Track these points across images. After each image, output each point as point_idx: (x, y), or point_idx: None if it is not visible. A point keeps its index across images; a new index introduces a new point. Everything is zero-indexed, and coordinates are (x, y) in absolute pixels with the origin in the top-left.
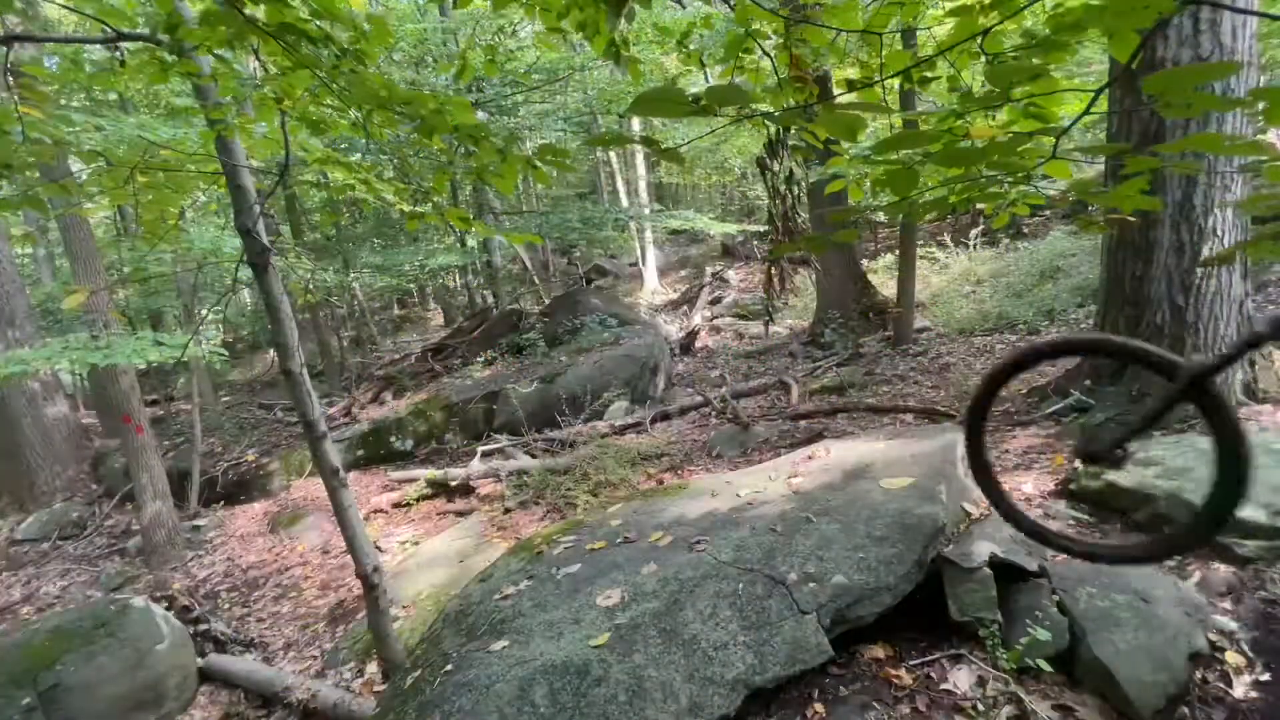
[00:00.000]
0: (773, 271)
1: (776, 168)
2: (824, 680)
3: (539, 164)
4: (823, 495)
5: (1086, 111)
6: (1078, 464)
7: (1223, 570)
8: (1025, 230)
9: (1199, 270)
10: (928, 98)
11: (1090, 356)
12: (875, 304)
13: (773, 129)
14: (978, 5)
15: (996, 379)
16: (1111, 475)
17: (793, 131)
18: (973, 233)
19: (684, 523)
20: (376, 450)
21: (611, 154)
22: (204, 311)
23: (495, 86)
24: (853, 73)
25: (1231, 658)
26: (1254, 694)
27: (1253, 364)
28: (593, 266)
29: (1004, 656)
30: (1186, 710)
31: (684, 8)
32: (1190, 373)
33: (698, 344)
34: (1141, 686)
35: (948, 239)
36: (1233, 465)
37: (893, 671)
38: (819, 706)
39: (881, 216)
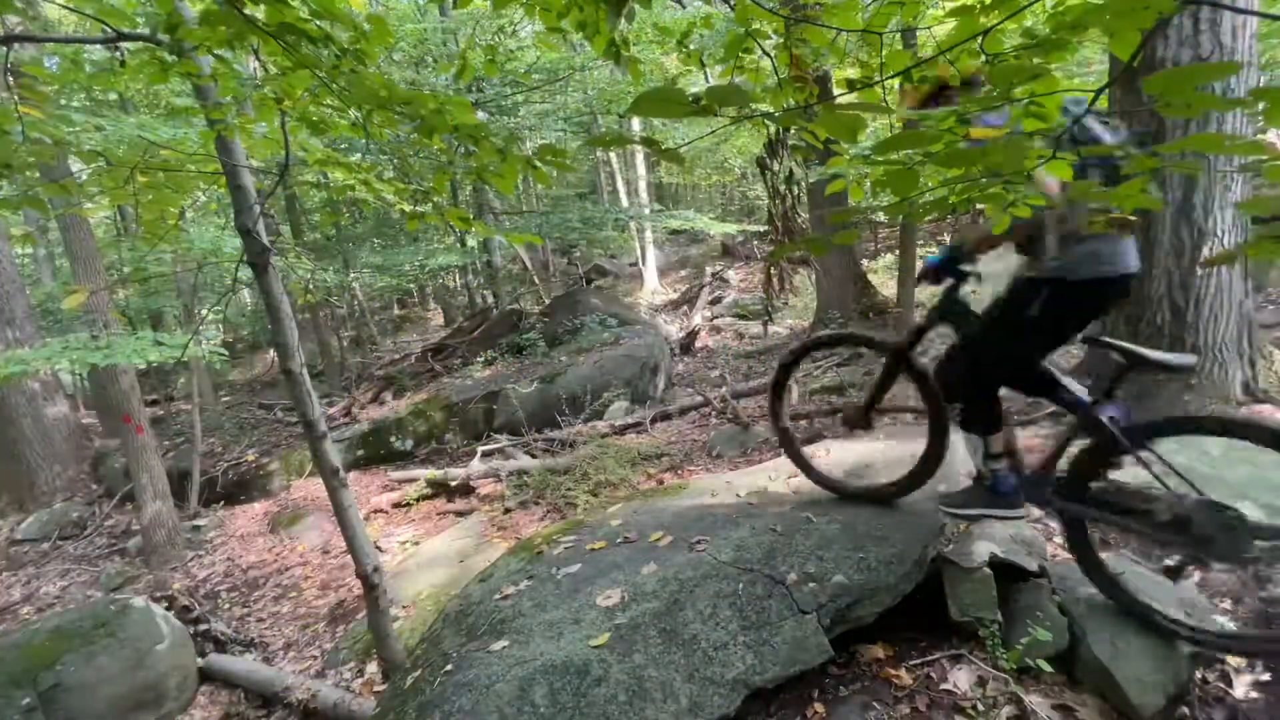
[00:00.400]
0: (772, 272)
1: (776, 167)
2: (824, 680)
3: (539, 164)
4: (823, 495)
5: (1087, 111)
6: None
7: (1223, 570)
8: None
9: (1199, 271)
10: None
11: (839, 346)
12: (875, 304)
13: (773, 129)
14: (978, 5)
15: (786, 370)
16: (1115, 475)
17: (793, 131)
18: None
19: (684, 523)
20: (376, 450)
21: (611, 154)
22: (204, 311)
23: (495, 86)
24: (853, 73)
25: (1232, 658)
26: (1254, 694)
27: (1252, 364)
28: (593, 266)
29: (1004, 656)
30: (1186, 710)
31: (684, 7)
32: (890, 348)
33: (698, 344)
34: (1141, 686)
35: (948, 239)
36: (938, 420)
37: (893, 671)
38: (819, 706)
39: (881, 217)
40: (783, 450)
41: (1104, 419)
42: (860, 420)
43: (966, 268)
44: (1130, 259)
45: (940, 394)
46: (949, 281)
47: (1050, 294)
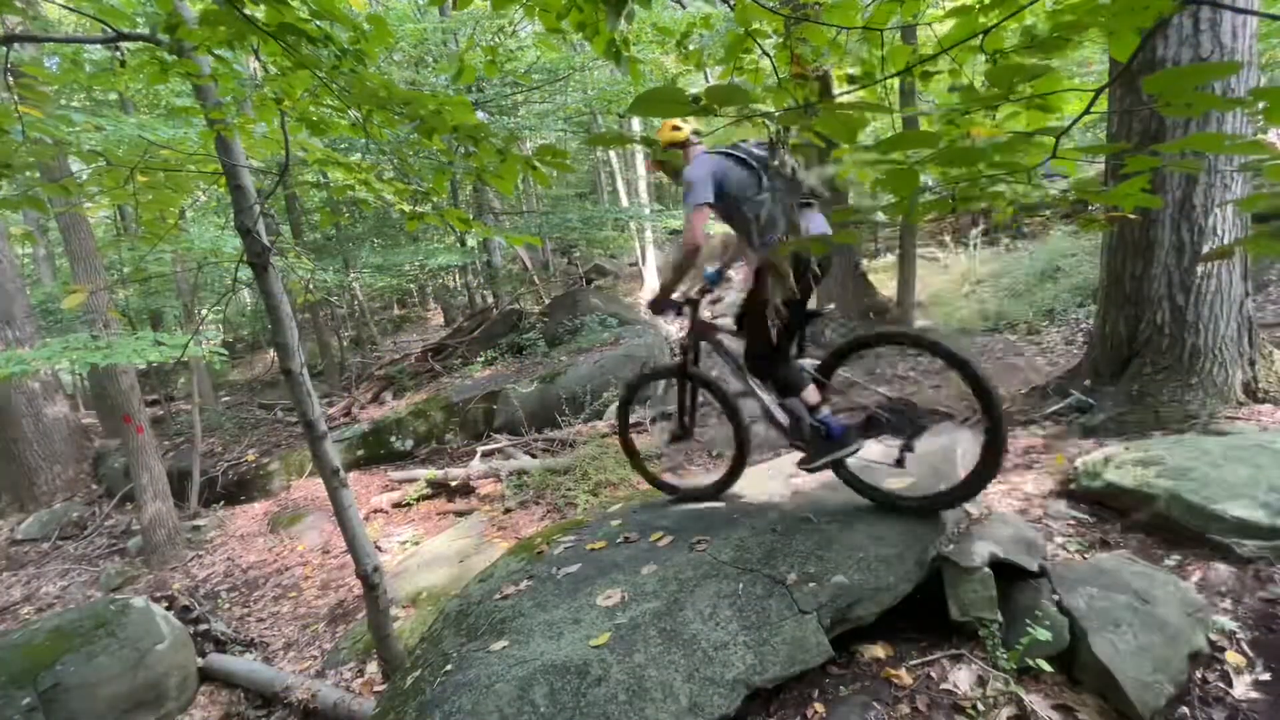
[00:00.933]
0: (773, 271)
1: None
2: (824, 680)
3: (538, 164)
4: (823, 495)
5: (1087, 111)
6: (1078, 464)
7: (1223, 570)
8: (1025, 230)
9: (1199, 269)
10: (928, 97)
11: (655, 380)
12: (875, 304)
13: (773, 128)
14: (977, 4)
15: (626, 406)
16: (1111, 475)
17: (794, 130)
18: (973, 233)
19: (684, 522)
20: (376, 450)
21: (611, 154)
22: (204, 311)
23: (495, 86)
24: (854, 71)
25: (1232, 657)
26: (1254, 694)
27: (1252, 364)
28: (593, 266)
29: (1004, 656)
30: (1186, 710)
31: (684, 8)
32: (674, 372)
33: None
34: (1142, 686)
35: (948, 239)
36: (735, 420)
37: (893, 671)
38: (819, 706)
39: (881, 216)
40: (629, 461)
41: (806, 367)
42: (681, 433)
43: (676, 298)
44: (818, 223)
45: (729, 396)
46: (687, 311)
47: (767, 275)
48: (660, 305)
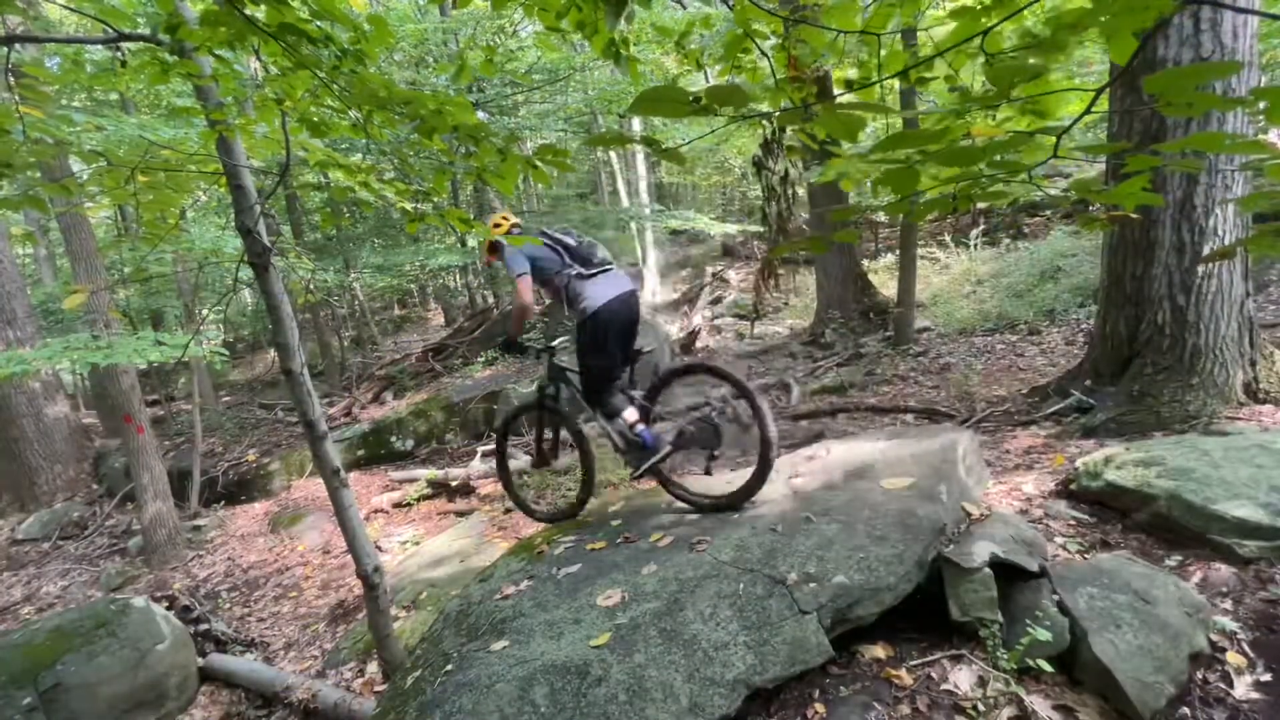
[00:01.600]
0: (766, 271)
1: (773, 165)
2: (824, 680)
3: (539, 164)
4: (823, 495)
5: (1087, 111)
6: (1078, 464)
7: (1223, 570)
8: (1025, 230)
9: (1200, 269)
10: (929, 97)
11: (528, 413)
12: (876, 304)
13: (769, 129)
14: (978, 5)
15: (504, 436)
16: (1112, 475)
17: (789, 131)
18: (973, 233)
19: (684, 523)
20: (377, 450)
21: (611, 154)
22: (204, 311)
23: (495, 86)
24: (852, 73)
25: (1232, 658)
26: (1255, 694)
27: (1253, 364)
28: None
29: (1004, 657)
30: (1187, 710)
31: (684, 8)
32: (532, 406)
33: (698, 344)
34: (1142, 687)
35: (948, 239)
36: (582, 445)
37: (893, 671)
38: (819, 706)
39: (882, 216)
40: (503, 487)
41: (635, 396)
42: (543, 459)
43: (522, 342)
44: (614, 286)
45: (576, 425)
46: (545, 355)
47: (582, 330)
48: (510, 348)
